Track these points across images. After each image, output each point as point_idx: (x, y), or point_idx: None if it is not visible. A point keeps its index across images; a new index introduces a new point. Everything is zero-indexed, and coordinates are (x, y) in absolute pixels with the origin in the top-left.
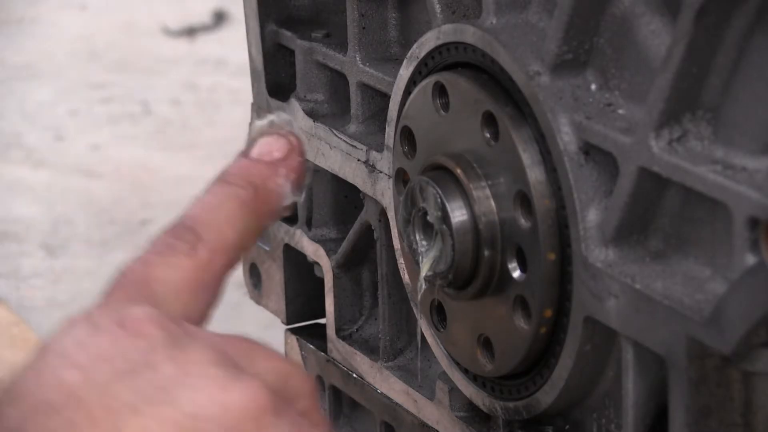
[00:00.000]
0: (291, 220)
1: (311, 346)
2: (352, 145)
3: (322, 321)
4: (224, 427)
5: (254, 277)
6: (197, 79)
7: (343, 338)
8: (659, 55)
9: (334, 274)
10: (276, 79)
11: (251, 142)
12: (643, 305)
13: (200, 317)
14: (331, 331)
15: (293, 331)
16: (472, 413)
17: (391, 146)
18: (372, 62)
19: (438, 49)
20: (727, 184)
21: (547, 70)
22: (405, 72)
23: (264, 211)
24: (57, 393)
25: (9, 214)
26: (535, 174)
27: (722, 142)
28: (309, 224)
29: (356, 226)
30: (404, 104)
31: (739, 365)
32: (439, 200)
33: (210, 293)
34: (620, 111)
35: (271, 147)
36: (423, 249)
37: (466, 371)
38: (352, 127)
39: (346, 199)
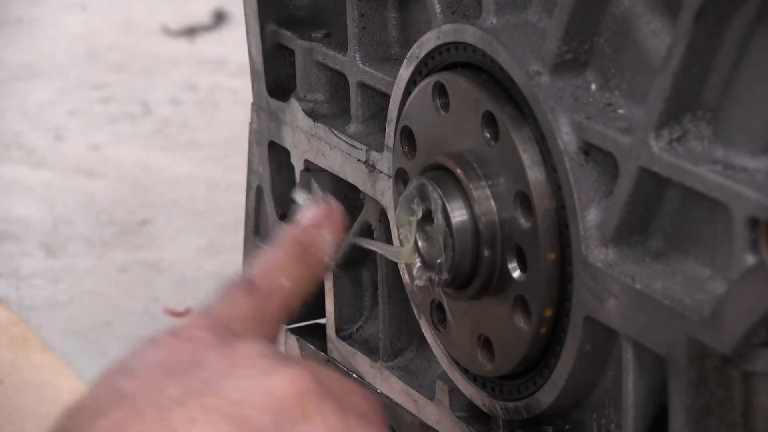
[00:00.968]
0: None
1: (311, 346)
2: (352, 145)
3: (322, 321)
4: (268, 409)
5: None
6: (197, 79)
7: (343, 338)
8: (659, 55)
9: (334, 274)
10: (276, 79)
11: (297, 211)
12: (643, 305)
13: None
14: (331, 331)
15: (293, 331)
16: (472, 413)
17: (391, 146)
18: (372, 62)
19: (438, 49)
20: (727, 184)
21: (547, 70)
22: (405, 72)
23: (312, 263)
24: (112, 400)
25: (9, 214)
26: (535, 174)
27: (722, 142)
28: None
29: (356, 226)
30: (404, 104)
31: (739, 365)
32: (439, 200)
33: (269, 329)
34: (620, 111)
35: (316, 214)
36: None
37: (466, 371)
38: (352, 127)
39: (346, 199)
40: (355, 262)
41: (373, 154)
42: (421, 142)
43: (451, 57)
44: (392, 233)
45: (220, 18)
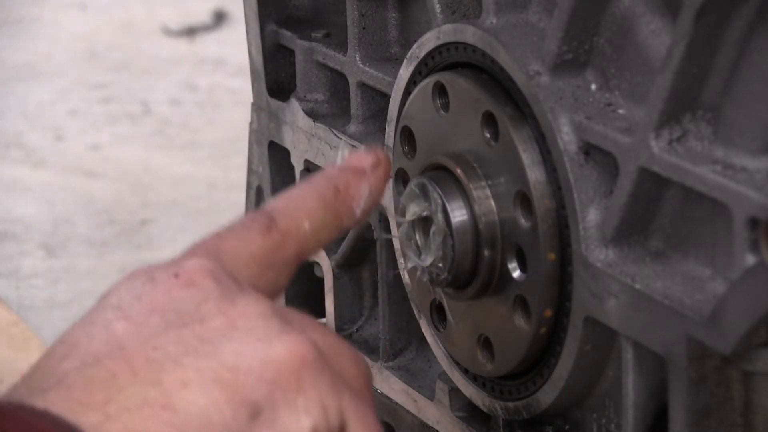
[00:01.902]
0: None
1: None
2: (352, 145)
3: (322, 321)
4: (263, 379)
5: None
6: (197, 79)
7: (343, 338)
8: (659, 55)
9: (334, 274)
10: (276, 79)
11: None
12: (643, 305)
13: (265, 293)
14: None
15: None
16: (472, 413)
17: (391, 146)
18: (372, 62)
19: (438, 49)
20: (727, 184)
21: (547, 70)
22: (405, 72)
23: (342, 211)
24: (105, 345)
25: (9, 214)
26: (535, 174)
27: (722, 142)
28: None
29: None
30: (404, 104)
31: (739, 365)
32: (438, 200)
33: (278, 273)
34: (620, 111)
35: (360, 158)
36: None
37: (466, 371)
38: (352, 127)
39: None
40: (355, 262)
41: None
42: (421, 142)
43: (451, 57)
44: (392, 232)
45: (220, 18)
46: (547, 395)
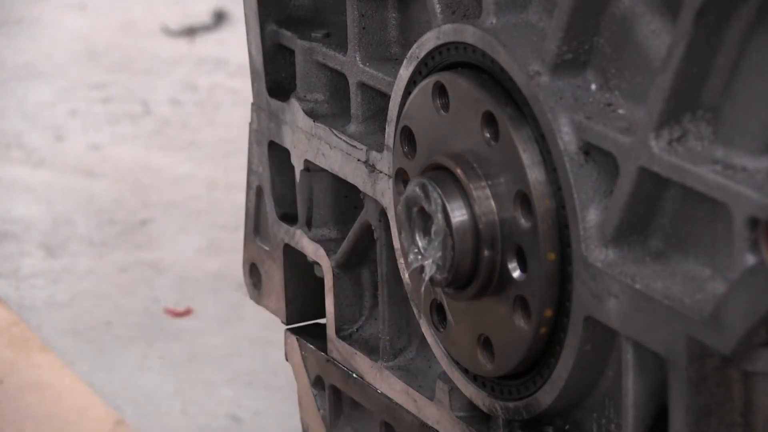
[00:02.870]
0: (291, 220)
1: (311, 346)
2: (352, 145)
3: (322, 321)
4: None
5: (254, 277)
6: (197, 79)
7: (343, 338)
8: (659, 55)
9: (334, 274)
10: (276, 79)
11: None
12: (643, 305)
13: None
14: (331, 331)
15: (293, 331)
16: (472, 413)
17: (391, 146)
18: (372, 62)
19: (438, 49)
20: (727, 184)
21: (547, 70)
22: (405, 72)
23: None
24: None
25: (9, 214)
26: (535, 174)
27: (722, 142)
28: (309, 224)
29: (356, 226)
30: (404, 104)
31: (739, 365)
32: (439, 200)
33: None
34: (620, 111)
35: None
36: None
37: (466, 371)
38: (352, 127)
39: (346, 199)
40: (355, 263)
41: (373, 154)
42: (421, 142)
43: (451, 57)
44: (392, 233)
45: (220, 18)
46: (547, 395)
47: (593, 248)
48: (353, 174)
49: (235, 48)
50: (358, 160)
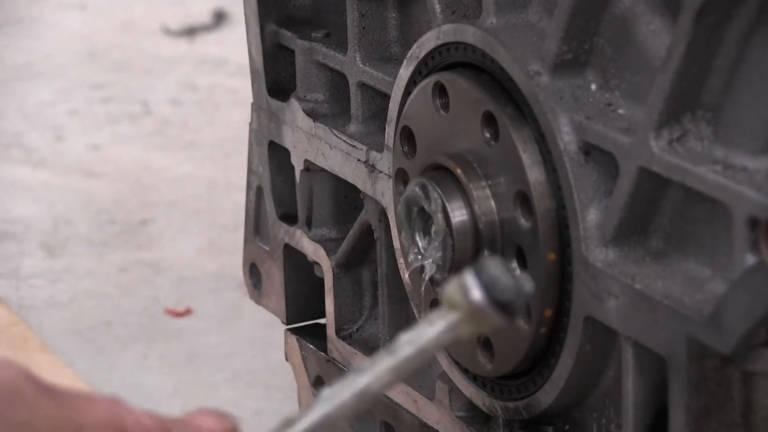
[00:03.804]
0: (291, 219)
1: (311, 346)
2: (352, 145)
3: (322, 321)
4: None
5: (254, 277)
6: (197, 79)
7: (343, 338)
8: (659, 55)
9: (334, 274)
10: (276, 79)
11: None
12: (643, 305)
13: None
14: (331, 331)
15: (293, 331)
16: (472, 413)
17: (391, 146)
18: (372, 62)
19: (438, 49)
20: (727, 184)
21: (547, 70)
22: (405, 72)
23: None
24: None
25: (9, 214)
26: (535, 174)
27: (722, 142)
28: (309, 224)
29: (356, 226)
30: (404, 104)
31: (739, 365)
32: (438, 200)
33: None
34: (620, 111)
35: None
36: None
37: (466, 371)
38: (352, 127)
39: (346, 199)
40: (355, 263)
41: (373, 154)
42: (421, 142)
43: (451, 57)
44: (392, 233)
45: (220, 18)
46: (547, 395)
47: (593, 248)
48: (353, 174)
49: (235, 48)
50: (358, 160)
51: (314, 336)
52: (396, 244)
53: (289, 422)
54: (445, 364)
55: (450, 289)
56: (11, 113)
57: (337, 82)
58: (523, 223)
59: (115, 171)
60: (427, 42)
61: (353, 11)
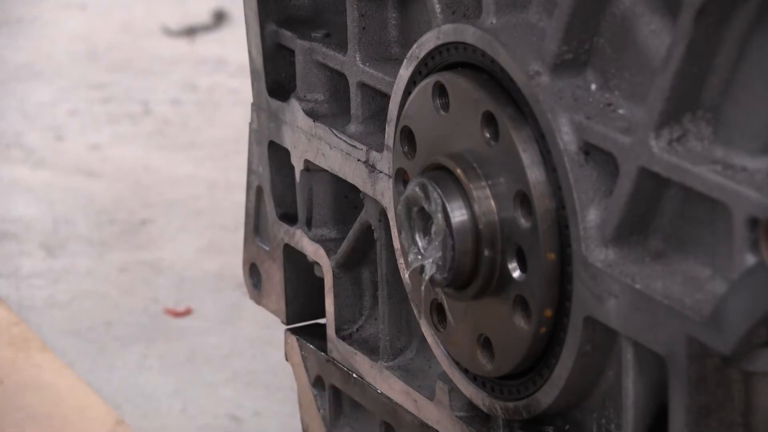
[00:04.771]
0: (291, 219)
1: (311, 346)
2: (352, 145)
3: (322, 321)
4: None
5: (254, 277)
6: (197, 79)
7: (343, 338)
8: (659, 55)
9: (334, 274)
10: (276, 79)
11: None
12: (643, 305)
13: None
14: (331, 331)
15: (293, 331)
16: (472, 413)
17: (391, 146)
18: (372, 62)
19: (438, 49)
20: (727, 184)
21: (547, 70)
22: (405, 72)
23: None
24: None
25: (9, 214)
26: (535, 174)
27: (722, 142)
28: (309, 224)
29: (356, 226)
30: (404, 104)
31: (739, 365)
32: (438, 200)
33: None
34: (620, 111)
35: None
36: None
37: (466, 371)
38: (352, 127)
39: (346, 199)
40: (355, 263)
41: (373, 154)
42: (421, 142)
43: (451, 57)
44: (392, 233)
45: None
46: (547, 395)
47: (593, 248)
48: (353, 174)
49: (235, 48)
50: (358, 160)
51: (314, 336)
52: (396, 244)
53: None
54: (445, 364)
55: None
56: (11, 113)
57: (337, 82)
58: (523, 223)
59: (115, 171)
60: (427, 42)
61: (353, 11)
